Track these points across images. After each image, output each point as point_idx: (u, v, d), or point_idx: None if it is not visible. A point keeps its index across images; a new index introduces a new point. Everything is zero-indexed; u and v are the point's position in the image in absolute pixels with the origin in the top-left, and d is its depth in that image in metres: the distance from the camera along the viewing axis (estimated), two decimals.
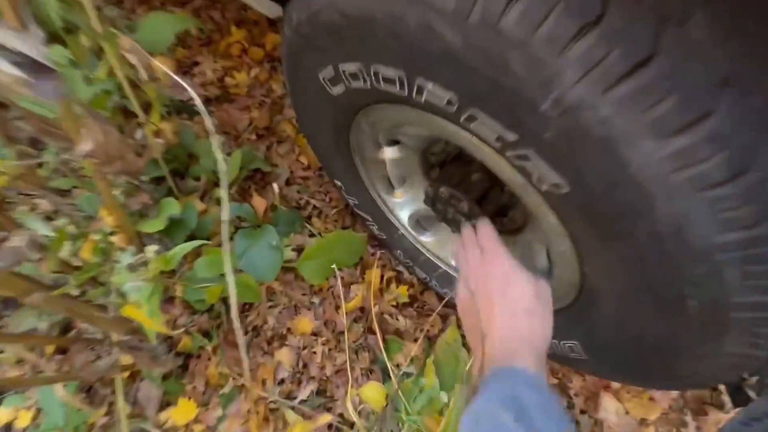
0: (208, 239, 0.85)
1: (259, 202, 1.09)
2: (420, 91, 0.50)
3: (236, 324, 0.58)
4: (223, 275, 0.77)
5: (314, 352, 0.98)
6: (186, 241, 0.77)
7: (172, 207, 0.89)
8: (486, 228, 0.59)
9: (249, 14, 1.53)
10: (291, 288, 1.05)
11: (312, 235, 1.08)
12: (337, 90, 0.62)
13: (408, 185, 0.88)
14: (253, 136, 1.24)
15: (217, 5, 1.50)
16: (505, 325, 0.48)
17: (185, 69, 1.36)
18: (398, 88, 0.53)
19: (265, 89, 1.34)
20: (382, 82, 0.55)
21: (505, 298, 0.50)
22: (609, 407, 0.99)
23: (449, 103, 0.47)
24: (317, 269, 0.96)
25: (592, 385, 1.03)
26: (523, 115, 0.40)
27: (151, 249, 0.74)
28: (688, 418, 1.00)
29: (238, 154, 1.03)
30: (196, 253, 0.84)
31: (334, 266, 0.85)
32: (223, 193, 0.51)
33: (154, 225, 0.86)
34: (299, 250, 1.04)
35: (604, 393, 1.01)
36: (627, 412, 0.99)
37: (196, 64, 1.39)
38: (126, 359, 0.90)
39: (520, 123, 0.42)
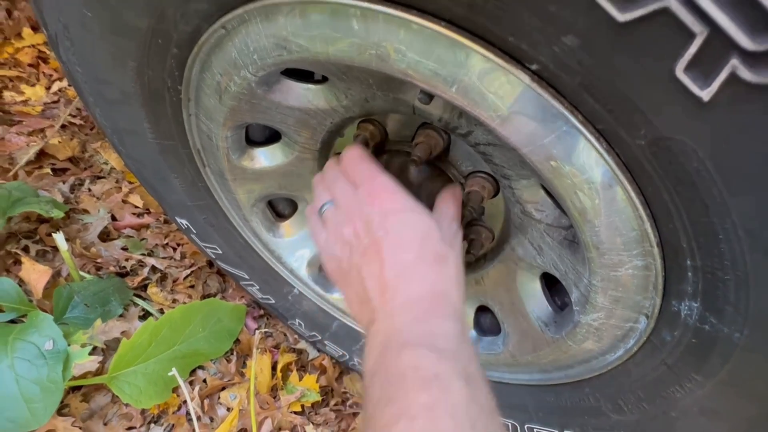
0: None
1: (34, 273, 0.62)
2: None
3: None
4: None
5: None
6: None
7: None
8: (355, 152, 0.42)
9: None
10: (103, 420, 0.58)
11: (146, 317, 0.64)
12: None
13: (303, 213, 0.60)
14: (47, 170, 0.80)
15: None
16: (411, 278, 0.35)
17: None
18: None
19: (77, 109, 0.94)
20: None
21: (405, 243, 0.37)
22: None
23: None
24: (149, 379, 0.53)
25: None
26: None
27: None
28: None
29: None
30: None
31: (173, 371, 0.45)
32: None
33: None
34: (115, 347, 0.59)
35: None
36: None
37: None
38: None
39: None
